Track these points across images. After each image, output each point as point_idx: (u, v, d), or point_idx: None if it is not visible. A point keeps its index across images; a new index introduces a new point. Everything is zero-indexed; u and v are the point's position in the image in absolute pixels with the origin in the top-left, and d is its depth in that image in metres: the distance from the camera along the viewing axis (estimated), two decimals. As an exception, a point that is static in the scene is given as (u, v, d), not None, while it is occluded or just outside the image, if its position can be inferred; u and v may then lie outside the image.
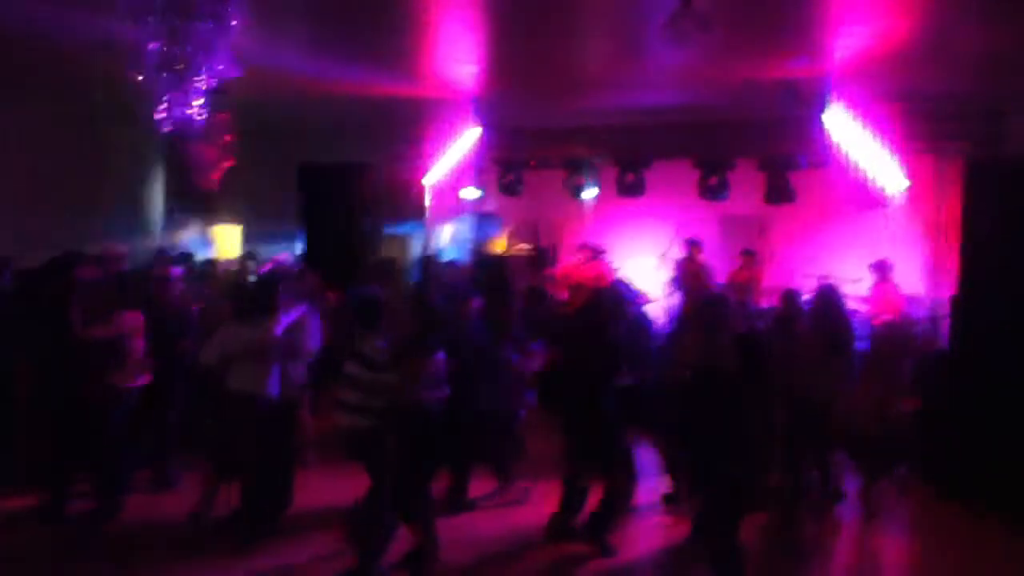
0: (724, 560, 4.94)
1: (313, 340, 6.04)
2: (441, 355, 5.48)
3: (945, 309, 8.41)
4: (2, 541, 5.81)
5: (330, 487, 6.34)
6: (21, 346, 6.25)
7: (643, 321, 7.15)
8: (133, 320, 6.10)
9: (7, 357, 6.32)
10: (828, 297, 7.04)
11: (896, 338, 9.15)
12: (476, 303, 6.55)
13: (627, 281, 8.01)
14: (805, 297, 7.76)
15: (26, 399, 6.19)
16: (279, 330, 5.75)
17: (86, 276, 6.29)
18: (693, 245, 10.54)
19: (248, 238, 12.84)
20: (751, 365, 4.88)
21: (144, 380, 6.16)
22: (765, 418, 4.83)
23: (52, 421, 6.12)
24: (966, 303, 7.74)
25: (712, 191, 10.42)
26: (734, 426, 4.79)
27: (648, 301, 8.87)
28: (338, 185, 11.05)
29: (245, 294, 6.15)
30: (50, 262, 6.68)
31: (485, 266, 11.03)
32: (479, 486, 6.84)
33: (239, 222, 13.12)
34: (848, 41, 7.14)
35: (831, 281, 8.07)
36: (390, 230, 11.62)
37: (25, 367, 6.14)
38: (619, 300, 6.59)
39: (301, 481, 6.21)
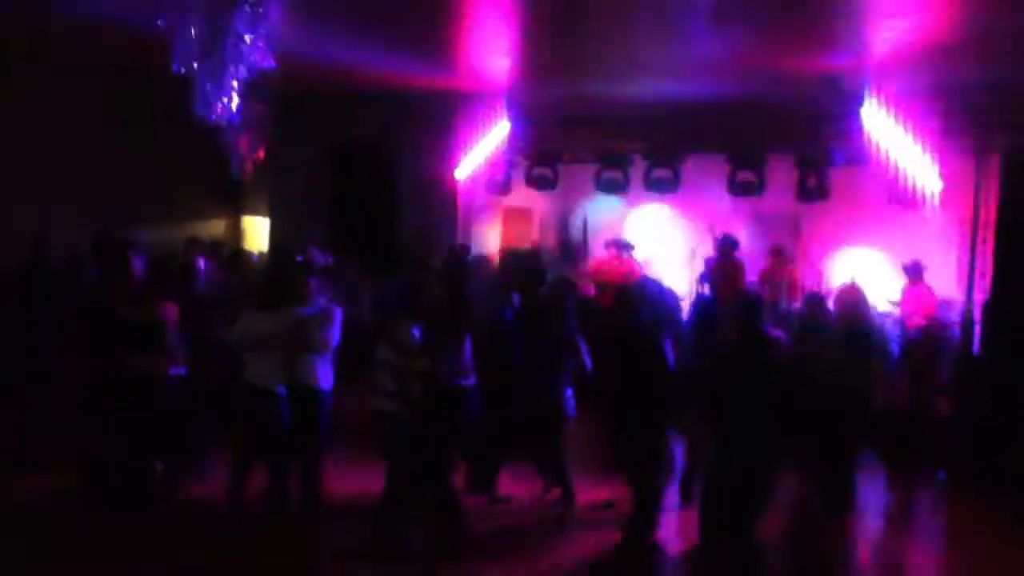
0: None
1: (335, 334, 5.92)
2: (469, 343, 5.76)
3: (979, 313, 8.30)
4: (40, 517, 5.89)
5: (362, 476, 6.32)
6: (63, 328, 6.35)
7: (675, 318, 7.09)
8: (171, 311, 6.16)
9: (48, 338, 6.43)
10: (852, 299, 6.94)
11: (929, 341, 9.06)
12: (516, 297, 6.56)
13: (655, 278, 7.97)
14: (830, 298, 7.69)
15: (68, 381, 6.28)
16: (297, 320, 5.72)
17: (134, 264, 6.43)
18: (728, 243, 10.43)
19: (277, 229, 12.90)
20: (743, 369, 4.80)
21: (179, 370, 6.19)
22: (763, 424, 4.72)
23: (92, 403, 6.21)
24: (999, 304, 7.62)
25: (743, 188, 10.30)
26: (721, 431, 4.76)
27: (678, 298, 8.78)
28: (369, 176, 11.08)
29: (269, 282, 6.13)
30: (99, 246, 6.77)
31: (517, 259, 11.01)
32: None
33: (269, 213, 13.19)
34: (888, 34, 7.03)
35: (855, 283, 7.98)
36: (420, 222, 11.59)
37: (69, 348, 6.23)
38: (645, 297, 6.54)
39: (336, 469, 6.25)
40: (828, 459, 6.80)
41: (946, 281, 9.96)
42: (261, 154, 8.83)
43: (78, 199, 10.44)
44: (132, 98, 10.64)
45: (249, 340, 5.76)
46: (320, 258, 7.81)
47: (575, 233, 13.06)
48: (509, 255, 11.65)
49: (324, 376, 5.92)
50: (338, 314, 5.94)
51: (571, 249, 12.38)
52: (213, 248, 9.85)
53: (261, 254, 11.40)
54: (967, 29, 6.79)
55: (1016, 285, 7.43)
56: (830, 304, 7.28)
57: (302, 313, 5.79)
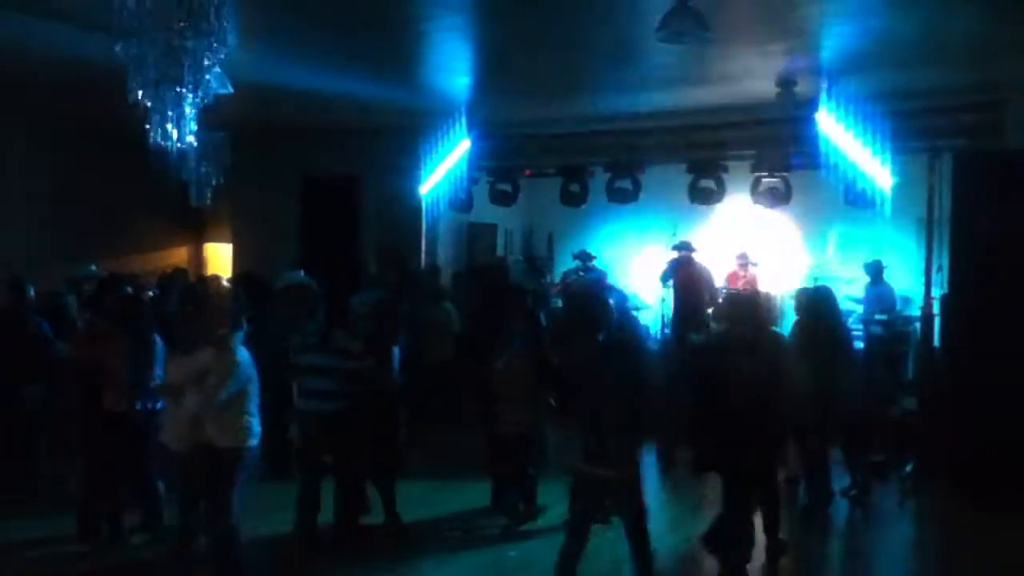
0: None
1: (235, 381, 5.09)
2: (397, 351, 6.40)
3: (939, 307, 8.48)
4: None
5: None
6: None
7: (630, 322, 7.24)
8: (120, 346, 5.89)
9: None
10: (822, 298, 7.04)
11: (891, 337, 9.22)
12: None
13: (612, 285, 8.06)
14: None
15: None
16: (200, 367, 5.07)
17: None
18: (688, 249, 10.54)
19: (242, 255, 12.80)
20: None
21: (144, 406, 5.87)
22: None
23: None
24: (956, 299, 7.79)
25: (704, 195, 10.42)
26: None
27: (627, 301, 8.88)
28: (335, 198, 11.05)
29: (176, 318, 5.78)
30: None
31: (481, 273, 11.03)
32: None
33: (233, 239, 13.10)
34: (840, 41, 7.19)
35: (823, 284, 8.12)
36: (386, 242, 11.56)
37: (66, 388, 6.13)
38: (598, 302, 6.55)
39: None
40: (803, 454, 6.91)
41: (908, 278, 10.17)
42: (222, 181, 8.79)
43: (44, 232, 10.33)
44: (92, 127, 10.54)
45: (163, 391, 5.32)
46: (297, 282, 7.74)
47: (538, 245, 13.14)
48: (476, 271, 11.69)
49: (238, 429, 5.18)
50: (241, 358, 5.15)
51: (537, 263, 12.43)
52: (177, 276, 9.75)
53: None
54: (917, 34, 6.96)
55: (971, 279, 7.60)
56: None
57: (209, 356, 5.10)
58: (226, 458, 5.06)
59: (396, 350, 6.49)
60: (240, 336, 5.19)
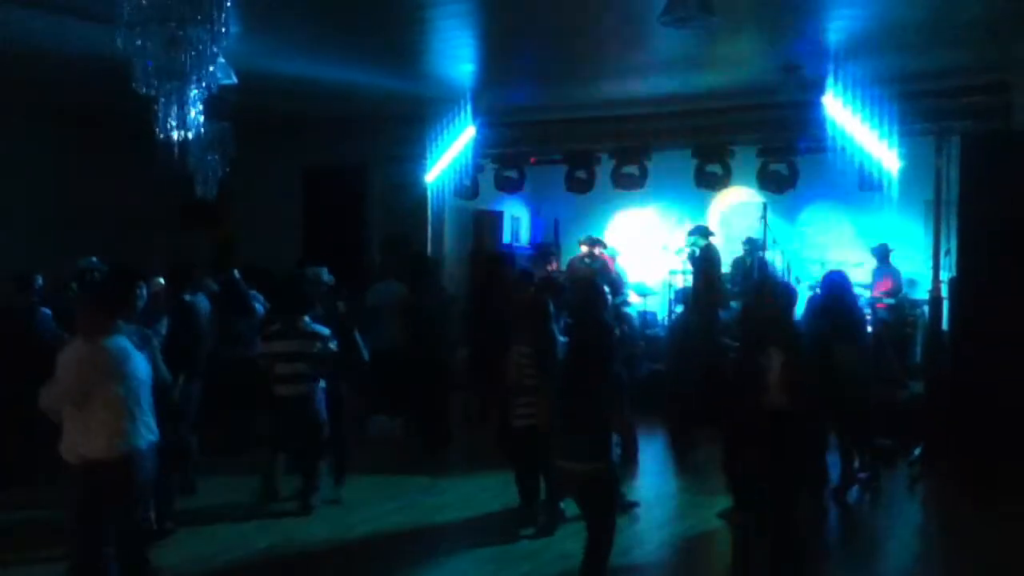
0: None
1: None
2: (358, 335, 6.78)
3: (947, 290, 8.45)
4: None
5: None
6: None
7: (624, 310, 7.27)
8: None
9: None
10: (837, 284, 7.01)
11: (898, 321, 9.19)
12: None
13: (615, 272, 8.01)
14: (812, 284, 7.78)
15: None
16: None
17: None
18: (699, 234, 10.49)
19: (247, 246, 12.78)
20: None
21: None
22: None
23: None
24: (964, 282, 7.77)
25: (710, 179, 10.38)
26: None
27: (622, 291, 8.85)
28: (340, 188, 11.05)
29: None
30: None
31: (482, 263, 10.99)
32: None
33: (238, 230, 13.08)
34: (846, 23, 7.15)
35: (839, 268, 8.07)
36: (392, 232, 11.55)
37: None
38: (593, 289, 6.50)
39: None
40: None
41: (916, 261, 10.13)
42: (227, 171, 8.79)
43: (43, 224, 10.34)
44: (96, 119, 10.55)
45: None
46: (322, 276, 7.71)
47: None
48: (482, 258, 11.66)
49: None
50: (111, 348, 4.27)
51: (545, 249, 12.40)
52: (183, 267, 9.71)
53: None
54: (924, 16, 6.92)
55: (979, 262, 7.57)
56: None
57: (78, 348, 4.31)
58: (92, 472, 4.17)
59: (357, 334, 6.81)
60: (117, 327, 4.38)
